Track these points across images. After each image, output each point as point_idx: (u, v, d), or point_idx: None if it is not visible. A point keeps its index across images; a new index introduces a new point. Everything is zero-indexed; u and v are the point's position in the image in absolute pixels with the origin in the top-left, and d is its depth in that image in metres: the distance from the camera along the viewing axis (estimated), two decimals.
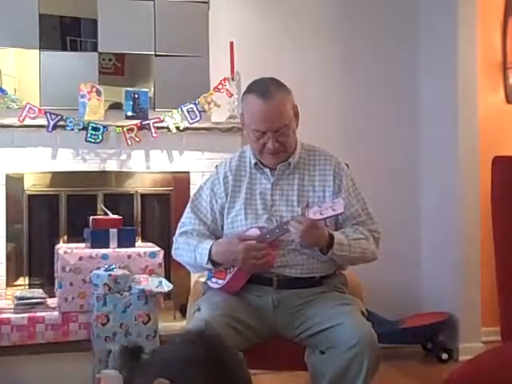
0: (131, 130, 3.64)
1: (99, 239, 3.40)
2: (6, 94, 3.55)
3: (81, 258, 3.31)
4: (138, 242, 3.67)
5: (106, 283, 3.11)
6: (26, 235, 3.68)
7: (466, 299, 3.83)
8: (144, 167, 3.75)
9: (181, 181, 3.80)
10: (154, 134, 3.67)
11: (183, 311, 3.46)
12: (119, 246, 3.43)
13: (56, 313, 3.31)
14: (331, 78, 4.06)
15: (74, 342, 3.31)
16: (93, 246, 3.38)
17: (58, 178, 3.71)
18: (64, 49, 3.76)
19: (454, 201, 3.90)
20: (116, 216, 3.56)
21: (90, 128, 3.58)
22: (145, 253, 3.41)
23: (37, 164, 3.60)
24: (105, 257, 3.33)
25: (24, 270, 3.67)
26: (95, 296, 3.12)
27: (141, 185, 3.85)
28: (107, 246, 3.40)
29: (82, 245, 3.49)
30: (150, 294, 3.15)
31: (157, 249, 3.47)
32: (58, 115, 3.55)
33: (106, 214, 3.59)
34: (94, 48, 3.76)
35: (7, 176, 3.58)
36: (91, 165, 3.67)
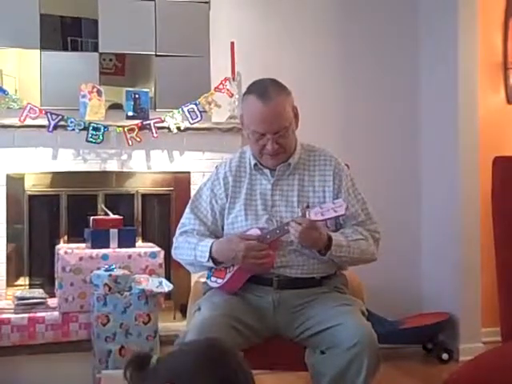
0: (132, 130, 3.64)
1: (99, 239, 3.40)
2: (7, 94, 3.55)
3: (81, 258, 3.31)
4: (139, 242, 3.68)
5: (106, 283, 3.12)
6: (27, 235, 3.68)
7: (466, 299, 3.84)
8: (145, 167, 3.75)
9: (181, 181, 3.80)
10: (155, 134, 3.67)
11: (183, 311, 3.46)
12: (119, 246, 3.43)
13: (56, 313, 3.31)
14: (331, 78, 4.06)
15: (74, 342, 3.31)
16: (93, 246, 3.39)
17: (59, 178, 3.71)
18: (65, 49, 3.76)
19: (454, 201, 3.90)
20: (116, 216, 3.56)
21: (90, 128, 3.58)
22: (145, 253, 3.41)
23: (37, 164, 3.61)
24: (105, 257, 3.33)
25: (24, 270, 3.67)
26: (95, 296, 3.13)
27: (141, 185, 3.85)
28: (107, 246, 3.41)
29: (83, 245, 3.49)
30: (150, 294, 3.15)
31: (157, 249, 3.47)
32: (58, 115, 3.55)
33: (107, 214, 3.59)
34: (95, 48, 3.76)
35: (8, 176, 3.58)
36: (92, 165, 3.67)
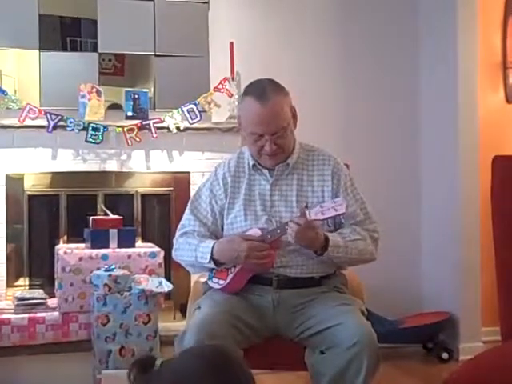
0: (131, 130, 3.64)
1: (99, 239, 3.40)
2: (6, 94, 3.55)
3: (81, 259, 3.31)
4: (138, 243, 3.68)
5: (106, 283, 3.12)
6: (26, 236, 3.68)
7: (466, 299, 3.84)
8: (144, 167, 3.75)
9: (181, 181, 3.80)
10: (154, 134, 3.67)
11: (183, 311, 3.46)
12: (119, 246, 3.43)
13: (56, 313, 3.31)
14: (331, 78, 4.06)
15: (74, 343, 3.31)
16: (93, 247, 3.39)
17: (58, 178, 3.71)
18: (64, 49, 3.76)
19: (454, 201, 3.90)
20: (116, 216, 3.56)
21: (90, 128, 3.58)
22: (145, 253, 3.41)
23: (37, 164, 3.61)
24: (105, 257, 3.33)
25: (24, 270, 3.67)
26: (95, 296, 3.13)
27: (141, 185, 3.85)
28: (107, 247, 3.41)
29: (82, 245, 3.49)
30: (150, 294, 3.15)
31: (157, 249, 3.47)
32: (58, 115, 3.55)
33: (106, 214, 3.59)
34: (94, 48, 3.76)
35: (7, 176, 3.58)
36: (91, 165, 3.67)
